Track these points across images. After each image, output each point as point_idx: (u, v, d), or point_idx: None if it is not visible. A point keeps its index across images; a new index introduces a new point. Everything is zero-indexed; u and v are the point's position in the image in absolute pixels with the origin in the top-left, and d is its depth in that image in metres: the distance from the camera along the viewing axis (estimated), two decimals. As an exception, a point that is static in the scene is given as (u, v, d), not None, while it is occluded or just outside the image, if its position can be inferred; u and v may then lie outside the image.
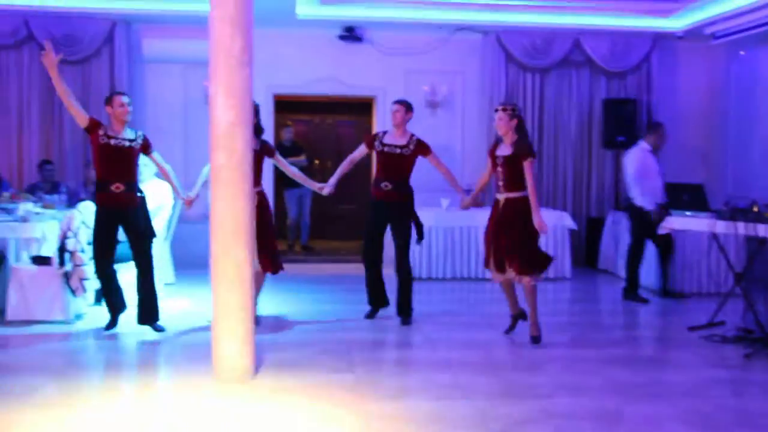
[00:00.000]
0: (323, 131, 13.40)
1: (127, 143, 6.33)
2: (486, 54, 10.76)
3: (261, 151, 6.53)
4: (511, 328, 6.60)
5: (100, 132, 6.27)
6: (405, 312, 6.98)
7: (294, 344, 6.14)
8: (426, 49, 10.76)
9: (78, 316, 6.91)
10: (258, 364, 5.34)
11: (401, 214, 6.92)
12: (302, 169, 11.13)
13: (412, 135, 6.92)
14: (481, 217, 9.30)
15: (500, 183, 6.28)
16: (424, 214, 9.26)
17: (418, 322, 6.97)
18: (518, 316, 6.58)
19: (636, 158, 8.14)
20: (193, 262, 8.90)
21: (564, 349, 6.15)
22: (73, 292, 6.72)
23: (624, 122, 10.48)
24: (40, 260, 6.80)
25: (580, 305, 8.21)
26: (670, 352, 6.25)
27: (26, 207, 7.26)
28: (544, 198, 10.86)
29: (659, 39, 10.78)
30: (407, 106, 6.90)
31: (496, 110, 6.27)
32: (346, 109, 12.93)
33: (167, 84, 10.46)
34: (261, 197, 6.53)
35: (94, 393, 4.90)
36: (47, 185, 8.90)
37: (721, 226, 6.58)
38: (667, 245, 8.32)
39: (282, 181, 11.14)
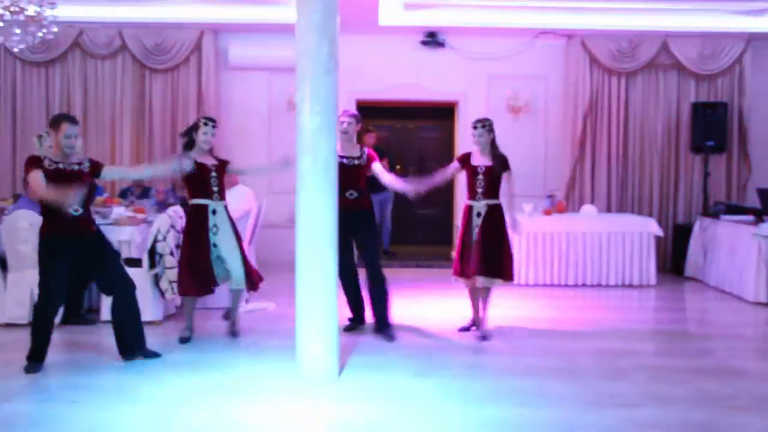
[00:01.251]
0: (405, 137, 13.44)
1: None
2: (570, 58, 10.64)
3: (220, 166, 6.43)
4: (466, 330, 6.78)
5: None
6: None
7: (376, 347, 6.18)
8: (508, 54, 10.70)
9: (167, 317, 7.12)
10: (340, 366, 5.40)
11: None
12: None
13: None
14: (566, 223, 9.22)
15: (479, 191, 6.55)
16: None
17: (502, 328, 6.92)
18: (477, 322, 6.77)
19: None
20: (277, 266, 9.05)
21: (651, 358, 6.02)
22: (163, 293, 6.91)
23: (714, 126, 10.19)
24: (131, 262, 7.01)
25: (666, 313, 8.00)
26: (762, 362, 6.04)
27: (118, 211, 7.51)
28: (629, 203, 10.66)
29: (753, 39, 10.43)
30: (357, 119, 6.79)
31: (475, 127, 6.55)
32: (428, 115, 12.94)
33: (252, 90, 10.70)
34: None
35: (183, 392, 5.03)
36: (138, 190, 9.18)
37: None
38: None
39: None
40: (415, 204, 12.82)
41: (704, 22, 10.04)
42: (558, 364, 5.75)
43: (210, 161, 6.33)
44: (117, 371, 5.42)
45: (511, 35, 10.54)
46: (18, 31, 7.26)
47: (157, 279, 6.87)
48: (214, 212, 6.24)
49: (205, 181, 6.23)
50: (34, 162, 5.32)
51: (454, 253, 6.74)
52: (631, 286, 9.18)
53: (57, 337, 5.66)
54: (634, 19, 10.04)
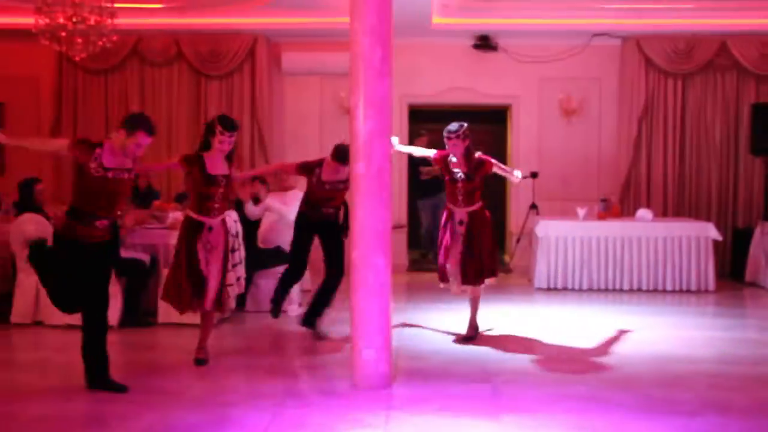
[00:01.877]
0: (457, 140, 13.39)
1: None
2: (625, 60, 10.51)
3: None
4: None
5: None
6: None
7: (428, 353, 6.16)
8: (561, 56, 10.61)
9: (222, 320, 7.21)
10: (393, 372, 5.41)
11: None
12: (436, 178, 11.33)
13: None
14: (621, 228, 9.09)
15: (459, 198, 6.48)
16: (560, 224, 9.14)
17: (555, 334, 6.85)
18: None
19: None
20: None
21: (709, 365, 5.89)
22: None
23: (775, 128, 9.95)
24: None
25: (725, 319, 7.83)
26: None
27: (175, 215, 7.64)
28: (686, 207, 10.47)
29: (817, 38, 10.18)
30: None
31: (449, 138, 6.36)
32: (481, 118, 12.87)
33: (305, 95, 10.81)
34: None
35: (235, 395, 5.10)
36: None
37: None
38: None
39: (416, 191, 11.25)
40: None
41: (765, 21, 9.80)
42: (612, 370, 5.67)
43: (222, 169, 5.68)
44: (173, 372, 5.50)
45: (565, 37, 10.46)
46: (80, 40, 7.45)
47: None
48: (210, 230, 5.65)
49: (205, 194, 5.62)
50: None
51: (440, 260, 6.67)
52: (689, 291, 9.01)
53: (115, 338, 5.77)
54: (692, 19, 9.87)
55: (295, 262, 6.74)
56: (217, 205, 5.63)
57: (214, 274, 5.62)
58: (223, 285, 5.67)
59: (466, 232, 6.47)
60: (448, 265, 6.57)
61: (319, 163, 6.52)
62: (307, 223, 6.64)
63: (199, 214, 5.60)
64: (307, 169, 6.54)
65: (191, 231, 5.61)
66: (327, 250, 6.67)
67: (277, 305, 6.70)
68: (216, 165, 5.61)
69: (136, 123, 4.95)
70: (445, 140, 6.40)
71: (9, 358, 6.08)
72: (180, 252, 5.62)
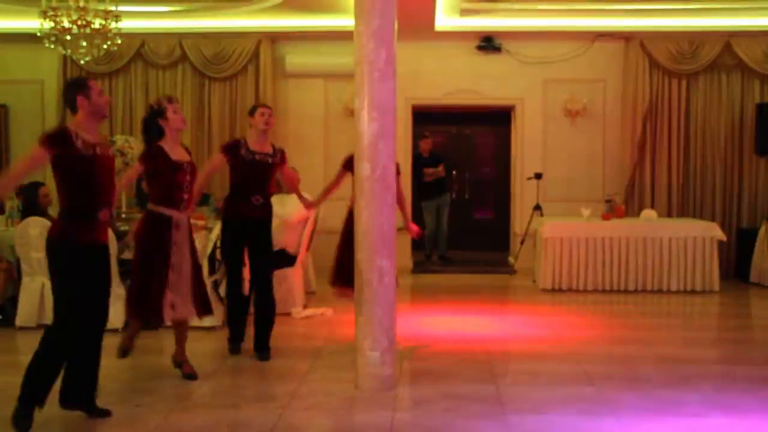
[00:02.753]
0: (461, 142, 13.40)
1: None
2: (629, 60, 10.50)
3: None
4: None
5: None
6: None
7: (432, 354, 6.16)
8: (565, 58, 10.61)
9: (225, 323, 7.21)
10: (398, 374, 5.40)
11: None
12: (440, 179, 11.35)
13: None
14: (625, 228, 9.07)
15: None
16: (565, 225, 9.13)
17: (561, 335, 6.85)
18: None
19: None
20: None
21: (715, 366, 5.89)
22: (222, 299, 7.01)
23: (780, 128, 9.93)
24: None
25: (731, 320, 7.83)
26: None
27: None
28: (691, 208, 10.45)
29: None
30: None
31: None
32: (485, 120, 12.89)
33: (309, 97, 10.81)
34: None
35: (240, 396, 5.10)
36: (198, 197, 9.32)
37: None
38: None
39: (420, 192, 11.27)
40: (471, 210, 12.84)
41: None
42: (618, 371, 5.67)
43: (184, 156, 5.29)
44: (177, 377, 5.50)
45: (568, 39, 10.46)
46: (84, 43, 7.47)
47: (216, 285, 6.97)
48: (177, 227, 5.19)
49: (174, 184, 5.17)
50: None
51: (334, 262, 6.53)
52: (693, 292, 8.99)
53: (118, 341, 5.74)
54: (695, 19, 9.86)
55: (232, 272, 6.10)
56: (185, 196, 5.21)
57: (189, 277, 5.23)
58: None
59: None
60: None
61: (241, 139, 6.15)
62: (236, 222, 5.97)
63: (168, 207, 5.14)
64: (230, 148, 5.99)
65: (156, 227, 5.14)
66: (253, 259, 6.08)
67: (237, 338, 6.14)
68: (176, 151, 5.22)
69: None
70: None
71: (14, 362, 6.06)
72: (147, 254, 5.14)
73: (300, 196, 6.49)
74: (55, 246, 4.28)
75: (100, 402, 4.60)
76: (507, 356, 6.15)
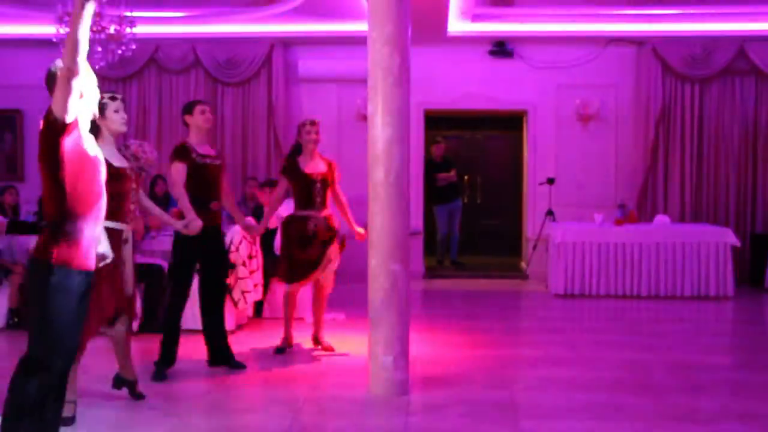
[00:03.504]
0: (473, 147, 13.41)
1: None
2: (641, 65, 10.48)
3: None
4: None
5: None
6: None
7: (445, 359, 6.16)
8: (577, 63, 10.59)
9: (239, 327, 7.24)
10: (411, 379, 5.40)
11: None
12: (452, 184, 11.35)
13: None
14: (638, 234, 9.04)
15: (318, 200, 6.29)
16: (577, 230, 9.11)
17: (573, 340, 6.83)
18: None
19: None
20: (350, 277, 9.10)
21: (730, 372, 5.86)
22: (235, 303, 7.03)
23: (794, 133, 9.89)
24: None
25: (746, 326, 7.79)
26: None
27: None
28: (704, 213, 10.41)
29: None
30: None
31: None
32: (497, 125, 12.89)
33: (321, 102, 10.81)
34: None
35: (253, 401, 5.11)
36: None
37: None
38: None
39: (432, 196, 11.28)
40: (483, 214, 12.82)
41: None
42: (632, 377, 5.65)
43: (126, 163, 4.74)
44: (192, 378, 5.51)
45: (580, 44, 10.45)
46: (99, 49, 7.51)
47: (229, 289, 6.99)
48: (125, 241, 4.72)
49: (122, 195, 4.62)
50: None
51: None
52: (707, 297, 8.95)
53: (134, 344, 5.76)
54: (708, 24, 9.84)
55: (179, 288, 5.60)
56: (132, 207, 4.75)
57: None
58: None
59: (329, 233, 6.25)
60: None
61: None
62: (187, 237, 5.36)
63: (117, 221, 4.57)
64: (180, 153, 5.50)
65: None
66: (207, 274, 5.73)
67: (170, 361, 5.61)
68: (115, 156, 4.65)
69: None
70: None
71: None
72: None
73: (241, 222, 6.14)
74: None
75: (113, 405, 4.61)
76: (519, 362, 6.14)
